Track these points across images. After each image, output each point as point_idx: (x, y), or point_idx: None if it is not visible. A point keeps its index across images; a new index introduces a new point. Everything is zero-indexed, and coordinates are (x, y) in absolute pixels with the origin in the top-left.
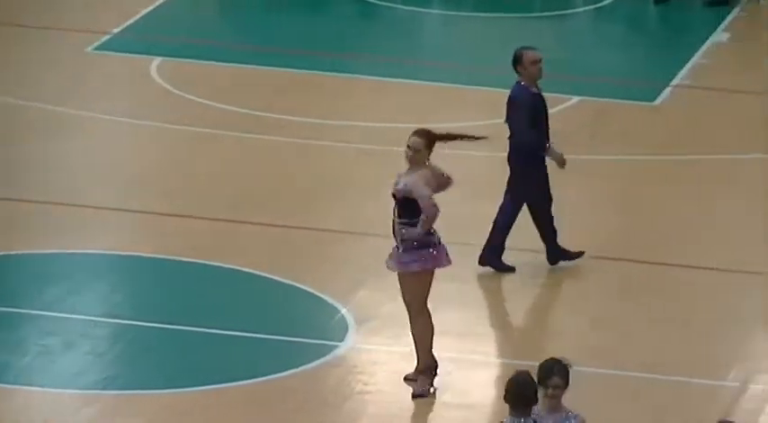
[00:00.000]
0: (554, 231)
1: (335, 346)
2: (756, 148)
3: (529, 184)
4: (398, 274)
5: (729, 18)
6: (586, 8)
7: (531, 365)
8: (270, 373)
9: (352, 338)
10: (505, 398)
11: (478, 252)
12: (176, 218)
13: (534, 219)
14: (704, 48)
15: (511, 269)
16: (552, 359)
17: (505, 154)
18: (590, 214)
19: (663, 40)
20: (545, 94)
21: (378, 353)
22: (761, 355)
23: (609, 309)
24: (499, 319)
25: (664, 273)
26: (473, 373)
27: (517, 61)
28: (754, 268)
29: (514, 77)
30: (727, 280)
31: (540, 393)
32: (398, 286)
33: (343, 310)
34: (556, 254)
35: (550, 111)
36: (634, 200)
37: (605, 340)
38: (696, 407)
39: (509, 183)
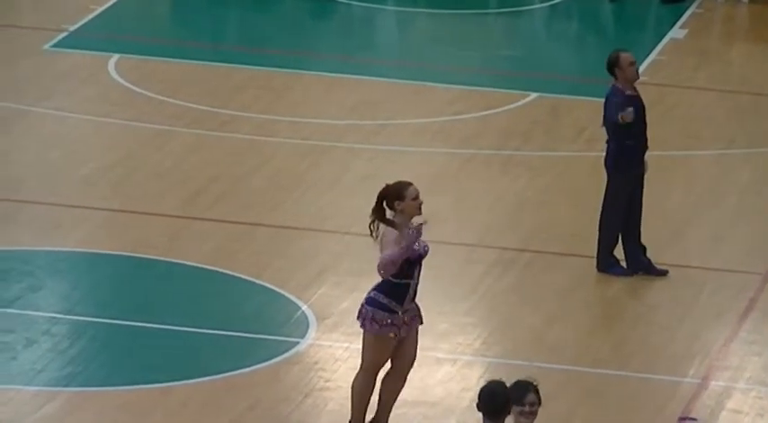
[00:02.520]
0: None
1: (296, 343)
2: (712, 145)
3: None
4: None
5: (686, 15)
6: (542, 5)
7: (492, 362)
8: (230, 370)
9: (312, 335)
10: (478, 406)
11: (438, 248)
12: (133, 214)
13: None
14: (661, 44)
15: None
16: (524, 380)
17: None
18: (546, 210)
19: (619, 37)
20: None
21: (338, 349)
22: (720, 352)
23: (568, 305)
24: (460, 315)
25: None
26: (434, 370)
27: (614, 64)
28: (712, 265)
29: (471, 74)
30: (685, 276)
31: (515, 411)
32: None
33: (304, 307)
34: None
35: (506, 108)
36: (590, 195)
37: (565, 336)
38: (657, 403)
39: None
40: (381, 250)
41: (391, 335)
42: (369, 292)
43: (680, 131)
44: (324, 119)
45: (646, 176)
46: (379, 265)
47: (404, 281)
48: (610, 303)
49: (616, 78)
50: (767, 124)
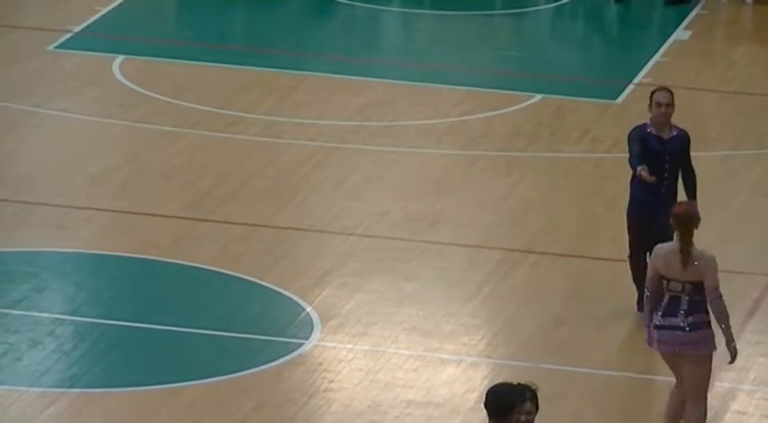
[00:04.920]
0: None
1: (300, 344)
2: (718, 146)
3: None
4: None
5: (691, 16)
6: (547, 6)
7: (497, 363)
8: (234, 371)
9: (316, 336)
10: (485, 405)
11: (443, 250)
12: (139, 216)
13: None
14: (666, 46)
15: None
16: (521, 385)
17: (463, 152)
18: (551, 211)
19: (624, 39)
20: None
21: (342, 350)
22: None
23: (572, 306)
24: (465, 317)
25: (627, 269)
26: (439, 371)
27: (650, 100)
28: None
29: (477, 75)
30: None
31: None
32: (369, 286)
33: (308, 308)
34: None
35: (511, 109)
36: (596, 197)
37: (570, 338)
38: (661, 405)
39: None
40: (709, 276)
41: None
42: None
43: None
44: (329, 120)
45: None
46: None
47: None
48: (614, 305)
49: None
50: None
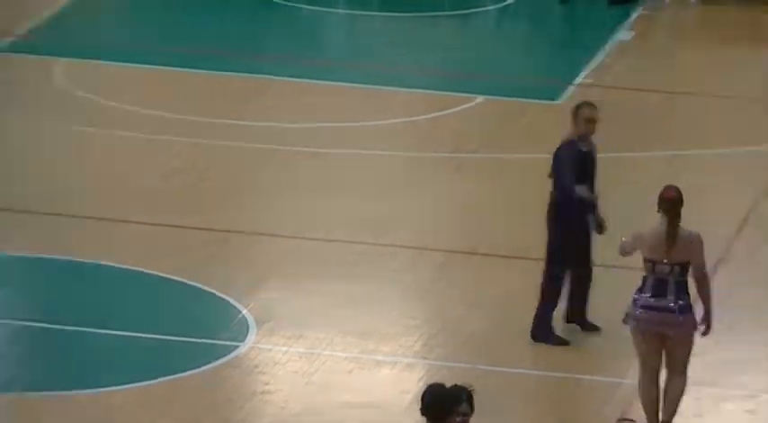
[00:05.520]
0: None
1: (236, 347)
2: (657, 147)
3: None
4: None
5: (633, 16)
6: (494, 6)
7: (432, 364)
8: (171, 374)
9: (252, 338)
10: (422, 411)
11: (384, 252)
12: (74, 219)
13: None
14: (608, 46)
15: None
16: (457, 386)
17: (409, 154)
18: (494, 212)
19: (567, 39)
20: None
21: (278, 353)
22: None
23: (512, 308)
24: (404, 318)
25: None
26: (374, 372)
27: (572, 114)
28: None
29: (423, 77)
30: (627, 277)
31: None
32: (306, 288)
33: (244, 311)
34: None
35: (457, 109)
36: (539, 198)
37: (506, 339)
38: (596, 405)
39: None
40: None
41: None
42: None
43: (627, 134)
44: (275, 122)
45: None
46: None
47: None
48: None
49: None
50: (715, 126)
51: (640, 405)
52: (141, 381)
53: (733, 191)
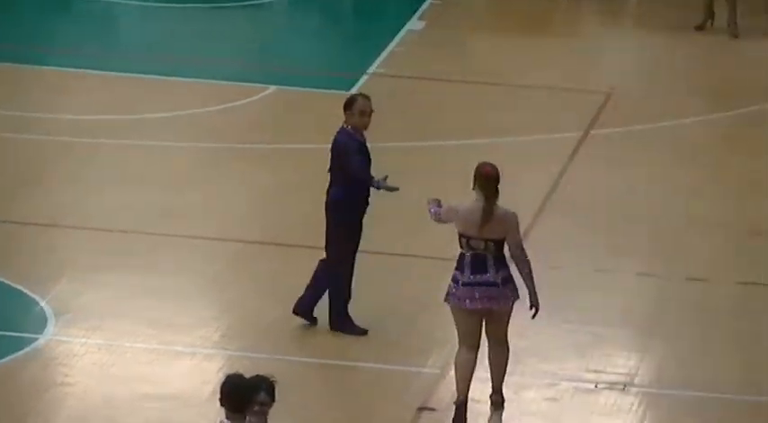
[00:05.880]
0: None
1: (34, 339)
2: (448, 136)
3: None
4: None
5: (424, 6)
6: None
7: (232, 354)
8: None
9: (51, 330)
10: (221, 401)
11: (180, 242)
12: None
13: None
14: (399, 35)
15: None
16: (259, 376)
17: (201, 145)
18: (287, 202)
19: (359, 29)
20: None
21: (76, 345)
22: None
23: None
24: (201, 309)
25: (363, 260)
26: (173, 363)
27: (347, 106)
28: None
29: (214, 67)
30: (425, 267)
31: (249, 408)
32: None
33: (42, 303)
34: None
35: (249, 100)
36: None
37: (306, 329)
38: (395, 393)
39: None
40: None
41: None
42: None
43: (417, 123)
44: (69, 114)
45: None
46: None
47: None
48: (356, 293)
49: (346, 119)
50: (506, 115)
51: (454, 380)
52: None
53: (526, 178)
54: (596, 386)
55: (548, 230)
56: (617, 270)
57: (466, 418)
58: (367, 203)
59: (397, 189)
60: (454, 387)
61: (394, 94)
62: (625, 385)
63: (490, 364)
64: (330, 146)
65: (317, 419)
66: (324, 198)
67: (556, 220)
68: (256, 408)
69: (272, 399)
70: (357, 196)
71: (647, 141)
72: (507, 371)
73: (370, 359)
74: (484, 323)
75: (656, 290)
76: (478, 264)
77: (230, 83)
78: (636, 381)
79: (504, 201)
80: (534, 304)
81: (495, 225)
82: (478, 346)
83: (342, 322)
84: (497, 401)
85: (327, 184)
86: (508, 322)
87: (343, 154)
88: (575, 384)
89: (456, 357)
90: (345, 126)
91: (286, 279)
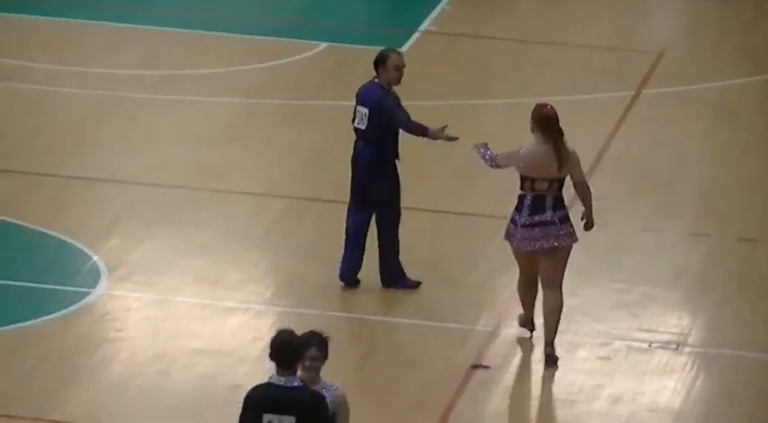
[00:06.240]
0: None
1: (87, 293)
2: (499, 95)
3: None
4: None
5: None
6: None
7: (283, 311)
8: (21, 321)
9: (103, 285)
10: (270, 356)
11: (229, 199)
12: None
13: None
14: None
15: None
16: (311, 332)
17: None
18: (336, 161)
19: None
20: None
21: (129, 300)
22: (511, 300)
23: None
24: (251, 265)
25: (411, 217)
26: (225, 319)
27: (380, 62)
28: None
29: (260, 24)
30: (475, 226)
31: (301, 363)
32: (156, 235)
33: (95, 258)
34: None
35: (298, 57)
36: None
37: (355, 285)
38: (448, 351)
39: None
40: (576, 170)
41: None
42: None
43: (467, 81)
44: (110, 69)
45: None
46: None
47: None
48: (402, 252)
49: (377, 75)
50: (557, 74)
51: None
52: None
53: (576, 138)
54: (650, 346)
55: (597, 190)
56: (666, 230)
57: (530, 330)
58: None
59: (456, 138)
60: (507, 346)
61: (444, 52)
62: (678, 345)
63: (544, 312)
64: (360, 104)
65: (368, 377)
66: None
67: (605, 179)
68: (307, 363)
69: (325, 355)
70: (396, 150)
71: (697, 101)
72: (560, 329)
73: (421, 317)
74: (540, 264)
75: (706, 250)
76: (538, 204)
77: (281, 39)
78: (689, 340)
79: None
80: (588, 219)
81: (560, 164)
82: (537, 278)
83: (396, 277)
84: (551, 356)
85: (359, 145)
86: (565, 265)
87: (386, 110)
88: (627, 343)
89: (518, 285)
90: (375, 81)
91: (335, 235)
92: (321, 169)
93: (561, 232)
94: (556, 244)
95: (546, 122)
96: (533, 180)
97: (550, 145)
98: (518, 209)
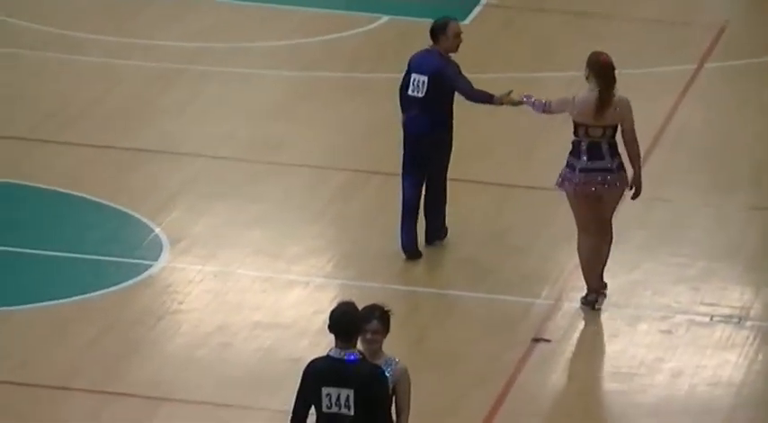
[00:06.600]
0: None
1: (149, 266)
2: (560, 67)
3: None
4: None
5: None
6: None
7: (344, 284)
8: (83, 293)
9: (165, 258)
10: (329, 328)
11: (289, 171)
12: None
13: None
14: None
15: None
16: (373, 305)
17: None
18: (396, 133)
19: None
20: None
21: (191, 272)
22: (573, 273)
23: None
24: (311, 238)
25: (464, 189)
26: (286, 292)
27: (440, 30)
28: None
29: None
30: (537, 197)
31: (361, 336)
32: (217, 208)
33: (157, 230)
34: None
35: (358, 30)
36: None
37: (416, 259)
38: (509, 324)
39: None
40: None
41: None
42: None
43: (530, 55)
44: (174, 42)
45: None
46: None
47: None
48: (458, 224)
49: (436, 44)
50: (619, 47)
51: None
52: (53, 299)
53: (638, 111)
54: (711, 319)
55: (658, 164)
56: (726, 205)
57: (595, 307)
58: None
59: (521, 103)
60: (569, 319)
61: (507, 25)
62: (740, 319)
63: (593, 259)
64: (416, 72)
65: (429, 350)
66: None
67: (666, 153)
68: (368, 337)
69: (386, 328)
70: (451, 119)
71: (758, 75)
72: (621, 303)
73: (483, 290)
74: (594, 208)
75: (766, 225)
76: (595, 150)
77: (342, 12)
78: (750, 314)
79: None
80: (637, 185)
81: (613, 112)
82: (593, 230)
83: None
84: (597, 300)
85: (413, 114)
86: (616, 207)
87: (448, 78)
88: (689, 317)
89: (578, 246)
90: (433, 49)
91: (395, 207)
92: (380, 142)
93: (618, 178)
94: (615, 186)
95: (602, 69)
96: (587, 126)
97: (598, 93)
98: (575, 155)
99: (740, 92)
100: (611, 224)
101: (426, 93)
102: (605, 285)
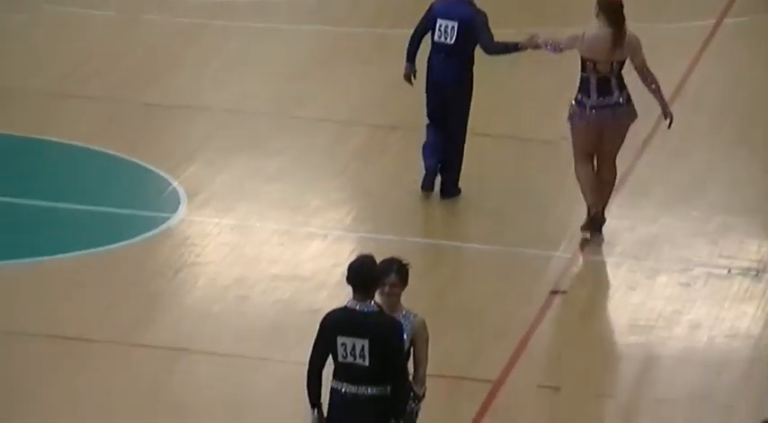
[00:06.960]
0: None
1: (167, 218)
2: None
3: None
4: None
5: None
6: None
7: (362, 237)
8: (102, 245)
9: (183, 211)
10: (347, 279)
11: (310, 126)
12: (5, 91)
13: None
14: None
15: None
16: (391, 258)
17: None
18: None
19: None
20: None
21: (209, 225)
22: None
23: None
24: (331, 191)
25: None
26: (305, 245)
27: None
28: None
29: None
30: (560, 153)
31: (379, 289)
32: (236, 162)
33: (175, 183)
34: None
35: None
36: None
37: (436, 213)
38: (528, 277)
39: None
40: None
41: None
42: None
43: (545, 10)
44: None
45: None
46: None
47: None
48: (481, 180)
49: None
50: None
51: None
52: (73, 251)
53: (655, 69)
54: (729, 272)
55: (678, 121)
56: (744, 161)
57: (600, 228)
58: None
59: (539, 47)
60: (587, 272)
61: None
62: (758, 272)
63: (600, 183)
64: (445, 18)
65: (448, 302)
66: None
67: (686, 110)
68: (387, 290)
69: (405, 282)
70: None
71: None
72: (640, 255)
73: (502, 243)
74: (603, 139)
75: None
76: (604, 87)
77: None
78: None
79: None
80: (667, 114)
81: (622, 47)
82: (594, 156)
83: (456, 188)
84: (597, 220)
85: (440, 60)
86: (623, 140)
87: (477, 27)
88: (707, 270)
89: (577, 171)
90: None
91: (414, 163)
92: (403, 97)
93: (627, 111)
94: (618, 124)
95: (610, 6)
96: (595, 62)
97: (612, 29)
98: (584, 91)
99: (759, 48)
100: (615, 157)
101: (456, 39)
102: (605, 220)
